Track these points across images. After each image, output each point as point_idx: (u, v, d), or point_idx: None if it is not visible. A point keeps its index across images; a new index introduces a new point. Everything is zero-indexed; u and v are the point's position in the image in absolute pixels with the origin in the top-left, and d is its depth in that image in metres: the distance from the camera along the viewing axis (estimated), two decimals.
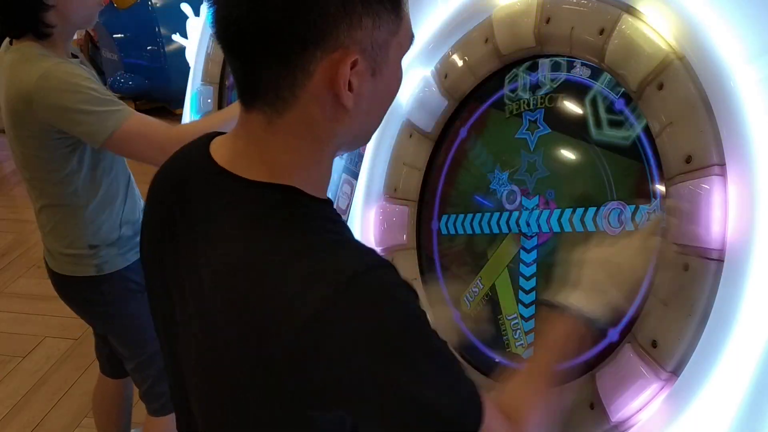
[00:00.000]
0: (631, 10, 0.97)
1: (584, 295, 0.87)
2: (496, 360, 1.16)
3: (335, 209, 0.79)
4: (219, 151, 0.77)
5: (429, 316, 0.71)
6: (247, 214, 0.72)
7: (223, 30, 0.69)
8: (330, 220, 0.75)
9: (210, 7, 0.71)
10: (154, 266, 0.85)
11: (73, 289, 1.66)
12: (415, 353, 0.66)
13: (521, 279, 1.13)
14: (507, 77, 1.19)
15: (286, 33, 0.66)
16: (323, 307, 0.64)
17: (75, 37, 1.60)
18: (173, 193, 0.80)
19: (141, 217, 1.64)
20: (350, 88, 0.69)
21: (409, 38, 0.75)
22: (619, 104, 1.00)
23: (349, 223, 1.45)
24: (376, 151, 1.42)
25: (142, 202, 1.68)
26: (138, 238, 1.64)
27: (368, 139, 0.82)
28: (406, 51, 0.75)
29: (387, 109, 0.79)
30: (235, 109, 1.42)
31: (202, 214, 0.76)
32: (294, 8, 0.65)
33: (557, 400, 0.87)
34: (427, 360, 0.67)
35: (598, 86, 1.03)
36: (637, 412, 0.90)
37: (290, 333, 0.64)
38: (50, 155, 1.49)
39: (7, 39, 1.50)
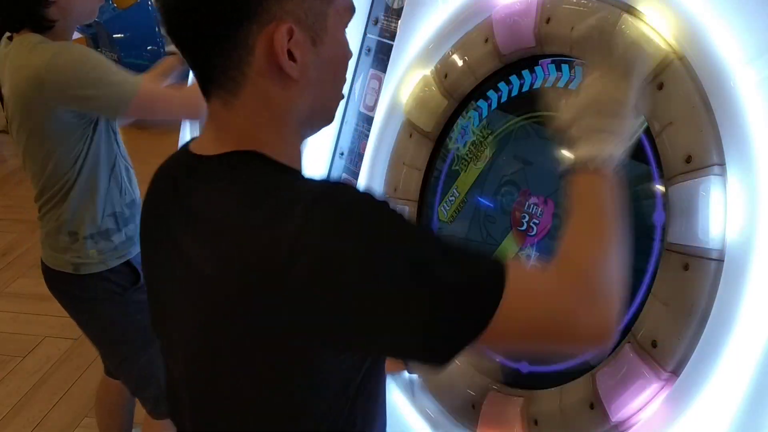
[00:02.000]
0: (631, 10, 0.97)
1: (587, 143, 0.79)
2: (497, 360, 1.16)
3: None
4: (193, 145, 0.81)
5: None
6: (219, 180, 0.74)
7: (169, 22, 0.73)
8: (297, 175, 0.76)
9: (156, 3, 0.75)
10: (152, 268, 0.86)
11: (56, 281, 1.68)
12: (400, 242, 0.67)
13: None
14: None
15: (220, 11, 0.69)
16: (295, 235, 0.64)
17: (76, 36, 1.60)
18: (165, 195, 0.83)
19: (127, 214, 1.65)
20: (293, 59, 0.72)
21: (348, 9, 0.77)
22: None
23: None
24: (376, 151, 1.42)
25: (131, 196, 1.68)
26: (123, 241, 1.66)
27: (330, 115, 0.83)
28: (348, 20, 0.78)
29: (340, 82, 0.81)
30: None
31: (187, 204, 0.78)
32: None
33: (623, 240, 0.75)
34: (416, 244, 0.67)
35: None
36: (637, 412, 0.90)
37: (275, 275, 0.65)
38: (57, 142, 1.49)
39: (6, 36, 1.50)
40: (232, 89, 0.73)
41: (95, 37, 5.19)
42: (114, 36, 5.02)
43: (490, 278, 0.67)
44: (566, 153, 0.82)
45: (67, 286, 1.67)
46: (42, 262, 1.69)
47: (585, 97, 0.83)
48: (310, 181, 0.73)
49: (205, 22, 0.71)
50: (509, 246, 1.15)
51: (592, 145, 0.79)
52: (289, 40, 0.71)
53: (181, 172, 0.81)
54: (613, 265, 0.72)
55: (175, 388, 0.85)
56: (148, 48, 5.05)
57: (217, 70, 0.73)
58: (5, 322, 2.95)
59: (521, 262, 0.68)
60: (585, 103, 0.82)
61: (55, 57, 1.40)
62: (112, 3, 5.17)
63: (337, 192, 0.69)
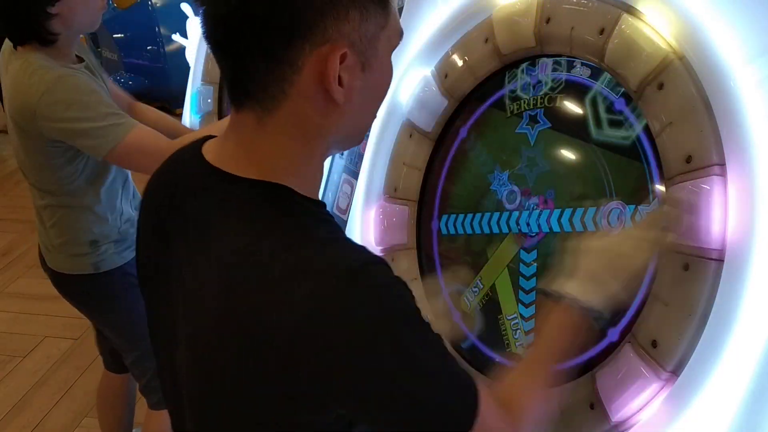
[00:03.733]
0: (631, 10, 0.97)
1: (581, 283, 0.85)
2: (496, 360, 1.16)
3: (329, 211, 0.78)
4: (210, 153, 0.77)
5: (427, 315, 0.71)
6: (238, 210, 0.72)
7: (211, 28, 0.69)
8: (323, 220, 0.74)
9: (199, 6, 0.71)
10: (149, 270, 0.85)
11: (72, 285, 1.67)
12: (411, 349, 0.66)
13: (521, 279, 1.13)
14: (507, 76, 1.19)
15: (272, 27, 0.65)
16: (316, 304, 0.63)
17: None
18: (166, 197, 0.81)
19: (136, 215, 1.65)
20: (340, 83, 0.68)
21: (398, 33, 0.74)
22: (619, 104, 1.00)
23: (349, 223, 1.45)
24: (376, 151, 1.42)
25: (138, 197, 1.69)
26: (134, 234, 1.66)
27: (361, 138, 0.81)
28: (396, 46, 0.75)
29: (379, 106, 0.78)
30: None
31: (194, 215, 0.76)
32: (280, 1, 0.65)
33: (555, 392, 0.86)
34: (422, 355, 0.67)
35: (598, 86, 1.03)
36: (637, 412, 0.90)
37: (283, 332, 0.64)
38: (54, 162, 1.50)
39: (11, 45, 1.50)
40: (269, 106, 0.70)
41: (95, 37, 5.19)
42: (114, 36, 5.02)
43: (468, 408, 0.70)
44: (560, 277, 0.88)
45: (87, 288, 1.66)
46: (52, 271, 1.66)
47: (607, 245, 0.89)
48: (343, 245, 0.71)
49: (253, 37, 0.66)
50: (508, 247, 1.15)
51: (585, 288, 0.85)
52: (340, 64, 0.67)
53: (190, 179, 0.78)
54: (545, 410, 0.84)
55: (174, 400, 0.84)
56: (148, 48, 5.05)
57: (256, 85, 0.69)
58: (5, 322, 2.95)
59: (489, 396, 0.73)
60: (602, 249, 0.88)
61: (48, 93, 1.39)
62: (112, 3, 5.17)
63: (367, 272, 0.66)
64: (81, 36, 1.62)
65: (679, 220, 0.87)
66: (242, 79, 0.70)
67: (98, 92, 1.45)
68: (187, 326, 0.75)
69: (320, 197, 0.79)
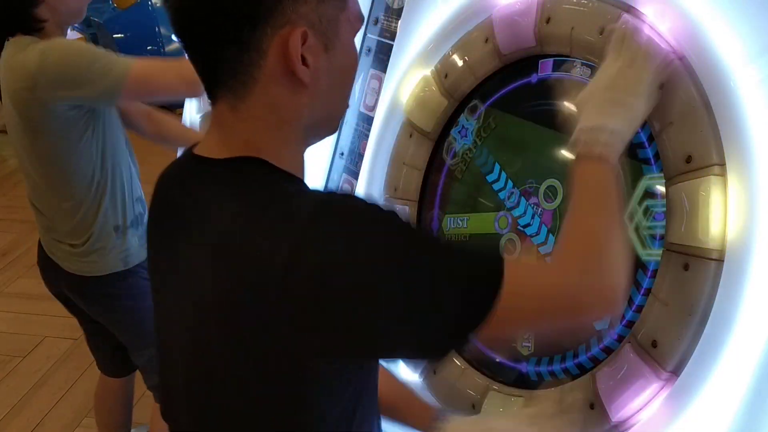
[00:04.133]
0: (631, 10, 0.97)
1: (599, 112, 0.81)
2: (497, 360, 1.16)
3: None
4: (199, 146, 0.80)
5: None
6: (217, 186, 0.74)
7: (178, 22, 0.72)
8: (298, 182, 0.76)
9: (164, 3, 0.74)
10: (152, 264, 0.87)
11: (96, 286, 1.66)
12: (397, 247, 0.67)
13: None
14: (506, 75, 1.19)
15: (235, 13, 0.68)
16: (295, 245, 0.65)
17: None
18: (163, 194, 0.83)
19: (143, 197, 1.66)
20: (305, 63, 0.71)
21: (358, 17, 0.77)
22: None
23: None
24: (376, 151, 1.42)
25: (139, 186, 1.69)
26: None
27: (335, 126, 0.84)
28: (357, 29, 0.78)
29: (348, 91, 0.81)
30: None
31: (181, 203, 0.78)
32: None
33: (619, 218, 0.78)
34: (416, 246, 0.68)
35: None
36: (637, 412, 0.90)
37: (275, 281, 0.65)
38: (61, 146, 1.49)
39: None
40: (240, 93, 0.72)
41: (95, 38, 5.19)
42: (114, 36, 5.02)
43: (488, 268, 0.68)
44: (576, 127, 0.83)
45: (114, 288, 1.65)
46: (75, 277, 1.64)
47: (602, 77, 0.86)
48: (311, 192, 0.73)
49: (217, 24, 0.69)
50: (509, 247, 1.15)
51: (603, 115, 0.81)
52: (302, 45, 0.70)
53: (186, 175, 0.81)
54: (614, 238, 0.75)
55: (171, 390, 0.84)
56: (148, 48, 5.05)
57: (225, 73, 0.72)
58: (5, 322, 2.95)
59: (521, 253, 0.70)
60: (602, 82, 0.85)
61: (44, 55, 1.41)
62: (112, 3, 5.17)
63: (335, 202, 0.69)
64: (81, 36, 1.63)
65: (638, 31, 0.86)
66: (213, 70, 0.73)
67: (89, 46, 1.47)
68: (185, 303, 0.76)
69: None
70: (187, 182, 0.79)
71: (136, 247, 1.63)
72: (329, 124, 0.83)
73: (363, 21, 0.78)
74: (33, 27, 1.46)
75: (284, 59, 0.70)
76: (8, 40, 1.49)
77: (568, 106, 0.87)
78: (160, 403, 0.90)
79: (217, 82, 0.74)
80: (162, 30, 5.02)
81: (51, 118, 1.46)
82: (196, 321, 0.74)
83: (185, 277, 0.76)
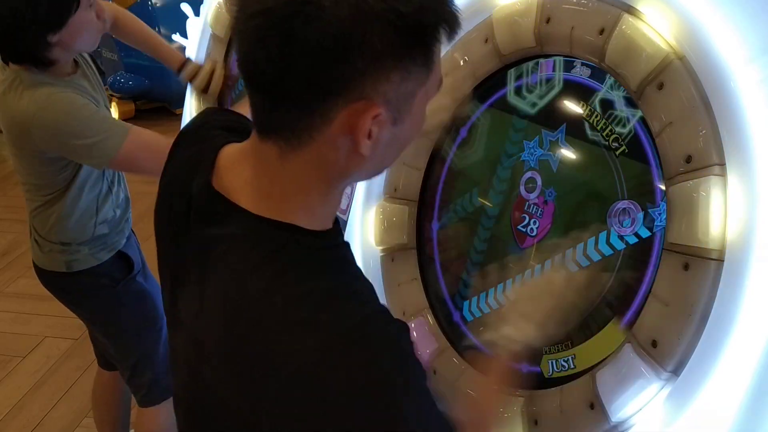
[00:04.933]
0: (631, 10, 0.97)
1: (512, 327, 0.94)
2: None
3: (340, 232, 0.77)
4: (227, 172, 0.76)
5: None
6: (250, 251, 0.70)
7: (245, 65, 0.67)
8: (332, 260, 0.74)
9: (235, 41, 0.68)
10: (164, 254, 0.85)
11: (50, 282, 1.69)
12: (404, 408, 0.66)
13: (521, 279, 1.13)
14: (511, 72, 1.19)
15: (310, 83, 0.64)
16: (314, 359, 0.63)
17: None
18: (181, 211, 0.79)
19: (118, 215, 1.65)
20: (369, 135, 0.66)
21: (438, 85, 0.72)
22: (619, 104, 1.00)
23: (349, 223, 1.45)
24: None
25: (124, 193, 1.69)
26: (113, 237, 1.67)
27: (381, 173, 0.80)
28: (433, 96, 0.72)
29: (401, 152, 0.76)
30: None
31: (202, 242, 0.75)
32: (321, 61, 0.62)
33: None
34: (415, 408, 0.67)
35: (598, 86, 1.03)
36: (637, 412, 0.90)
37: (281, 383, 0.64)
38: (46, 169, 1.51)
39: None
40: (294, 145, 0.68)
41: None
42: (114, 36, 5.02)
43: None
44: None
45: (62, 285, 1.68)
46: (34, 263, 1.69)
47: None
48: (349, 297, 0.70)
49: (293, 84, 0.64)
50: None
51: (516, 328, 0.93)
52: (372, 120, 0.65)
53: (204, 190, 0.76)
54: None
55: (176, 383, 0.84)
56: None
57: (285, 126, 0.68)
58: (5, 322, 2.95)
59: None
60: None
61: (42, 111, 1.38)
62: (113, 3, 5.17)
63: (367, 329, 0.66)
64: None
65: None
66: (271, 118, 0.69)
67: (89, 105, 1.44)
68: (188, 343, 0.76)
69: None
70: (214, 220, 0.75)
71: (83, 255, 1.63)
72: (374, 176, 0.79)
73: (441, 85, 0.73)
74: (44, 64, 1.43)
75: (349, 130, 0.66)
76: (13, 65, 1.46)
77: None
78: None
79: (272, 129, 0.69)
80: (162, 30, 5.02)
81: (41, 152, 1.48)
82: (197, 367, 0.75)
83: (195, 315, 0.75)
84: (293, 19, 0.61)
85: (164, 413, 1.77)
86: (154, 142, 1.44)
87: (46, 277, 1.68)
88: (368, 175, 0.77)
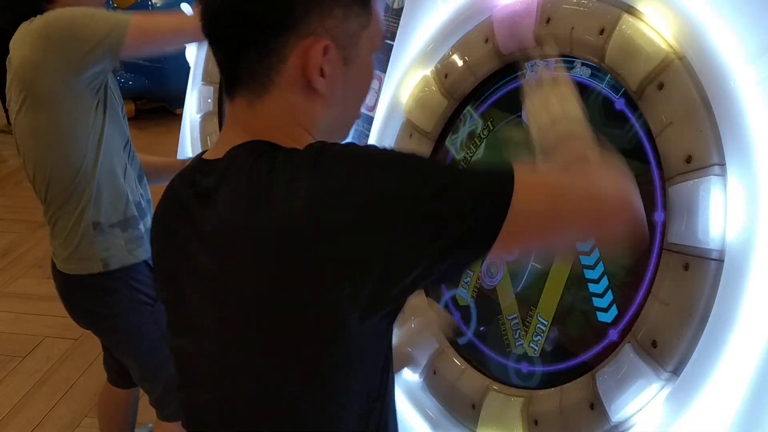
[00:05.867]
0: (631, 10, 0.97)
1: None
2: (495, 359, 1.16)
3: None
4: (213, 146, 0.81)
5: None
6: (234, 167, 0.75)
7: (209, 21, 0.75)
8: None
9: (200, 5, 0.77)
10: (164, 260, 0.86)
11: (79, 297, 1.64)
12: (404, 164, 0.69)
13: (522, 279, 1.13)
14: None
15: (264, 19, 0.72)
16: (306, 197, 0.67)
17: None
18: (181, 195, 0.82)
19: (144, 205, 1.64)
20: (323, 74, 0.74)
21: (380, 35, 0.81)
22: (619, 104, 1.00)
23: None
24: None
25: (140, 189, 1.68)
26: (143, 229, 1.64)
27: (346, 132, 0.87)
28: (377, 48, 0.80)
29: (360, 103, 0.84)
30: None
31: (195, 198, 0.78)
32: None
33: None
34: (421, 164, 0.71)
35: (599, 86, 1.03)
36: (637, 412, 0.90)
37: (294, 220, 0.67)
38: (62, 117, 1.48)
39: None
40: (259, 92, 0.75)
41: None
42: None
43: (500, 170, 0.69)
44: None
45: (96, 304, 1.62)
46: (63, 278, 1.62)
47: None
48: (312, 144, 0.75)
49: (245, 27, 0.73)
50: None
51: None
52: (323, 56, 0.73)
53: (193, 175, 0.81)
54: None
55: (193, 384, 0.83)
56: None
57: (246, 73, 0.75)
58: (5, 322, 2.95)
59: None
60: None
61: (50, 14, 1.43)
62: (112, 3, 5.17)
63: (332, 145, 0.72)
64: None
65: None
66: (235, 69, 0.76)
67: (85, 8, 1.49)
68: (208, 282, 0.76)
69: None
70: (202, 179, 0.79)
71: (120, 249, 1.60)
72: (340, 131, 0.85)
73: (383, 41, 0.82)
74: None
75: (303, 67, 0.73)
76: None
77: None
78: (184, 415, 0.88)
79: (237, 81, 0.77)
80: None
81: (59, 91, 1.46)
82: (223, 284, 0.74)
83: (206, 253, 0.76)
84: None
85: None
86: (159, 16, 1.53)
87: (80, 291, 1.61)
88: (333, 127, 0.81)
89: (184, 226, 0.79)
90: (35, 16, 1.46)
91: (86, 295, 1.62)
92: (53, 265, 1.66)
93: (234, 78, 0.77)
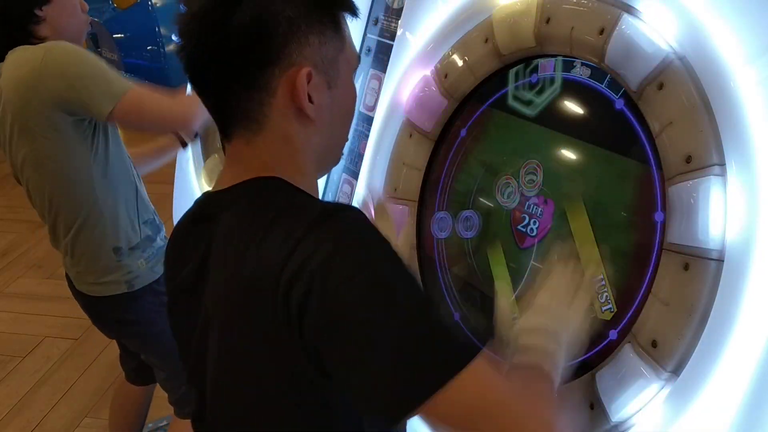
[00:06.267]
0: (631, 10, 0.97)
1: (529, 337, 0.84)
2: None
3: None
4: (214, 187, 0.85)
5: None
6: (236, 203, 0.79)
7: (193, 68, 0.79)
8: (309, 196, 0.81)
9: (179, 53, 0.79)
10: (178, 311, 0.92)
11: (105, 310, 1.65)
12: (392, 283, 0.68)
13: (522, 280, 1.13)
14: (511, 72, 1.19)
15: (246, 58, 0.76)
16: (295, 244, 0.68)
17: None
18: (186, 233, 0.88)
19: (153, 219, 1.64)
20: (311, 101, 0.78)
21: (355, 57, 0.86)
22: (619, 104, 1.00)
23: None
24: (376, 151, 1.42)
25: (151, 208, 1.68)
26: (159, 243, 1.66)
27: (338, 155, 0.91)
28: (355, 68, 0.86)
29: (349, 124, 0.89)
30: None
31: (207, 234, 0.82)
32: (249, 35, 0.75)
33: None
34: (404, 292, 0.69)
35: (598, 86, 1.03)
36: (637, 412, 0.90)
37: (274, 279, 0.68)
38: (64, 144, 1.48)
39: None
40: (254, 128, 0.79)
41: (95, 37, 5.20)
42: (114, 36, 5.02)
43: (463, 348, 0.67)
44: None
45: (121, 312, 1.64)
46: (82, 294, 1.63)
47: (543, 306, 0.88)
48: (321, 202, 0.79)
49: (231, 69, 0.76)
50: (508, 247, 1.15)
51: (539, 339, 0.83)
52: (308, 84, 0.77)
53: (203, 210, 0.86)
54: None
55: (203, 413, 0.87)
56: (148, 48, 5.05)
57: (239, 113, 0.78)
58: (5, 322, 2.95)
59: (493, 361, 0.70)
60: (543, 308, 0.88)
61: (50, 50, 1.42)
62: (112, 3, 5.17)
63: (344, 213, 0.73)
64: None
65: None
66: (227, 112, 0.80)
67: (96, 57, 1.48)
68: (210, 322, 0.80)
69: (320, 198, 0.85)
70: (204, 220, 0.83)
71: (143, 270, 1.61)
72: (333, 155, 0.90)
73: (359, 61, 0.87)
74: (32, 43, 1.46)
75: (292, 97, 0.77)
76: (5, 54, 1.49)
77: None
78: (192, 413, 0.92)
79: (231, 121, 0.80)
80: (162, 30, 5.02)
81: (50, 128, 1.45)
82: (221, 328, 0.78)
83: (211, 292, 0.80)
84: (215, 13, 0.75)
85: None
86: (159, 96, 1.48)
87: (104, 305, 1.63)
88: (328, 149, 0.86)
89: (200, 268, 0.83)
90: (24, 36, 1.45)
91: (111, 308, 1.64)
92: (70, 283, 1.66)
93: (227, 119, 0.80)
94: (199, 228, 0.84)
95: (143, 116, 1.49)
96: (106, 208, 1.54)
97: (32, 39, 1.46)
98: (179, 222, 0.90)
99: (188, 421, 1.79)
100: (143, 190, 1.67)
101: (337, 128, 0.86)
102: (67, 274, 1.68)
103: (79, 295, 1.66)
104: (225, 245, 0.78)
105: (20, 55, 1.45)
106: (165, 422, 2.17)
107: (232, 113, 0.79)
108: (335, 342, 0.67)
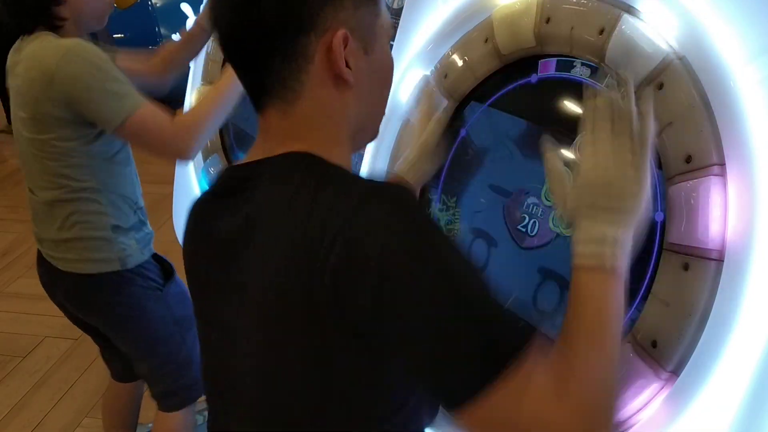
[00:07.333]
0: (631, 10, 0.97)
1: (592, 221, 0.77)
2: None
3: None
4: (241, 161, 0.83)
5: None
6: (272, 179, 0.77)
7: (228, 41, 0.78)
8: (346, 171, 0.78)
9: (214, 29, 0.78)
10: (199, 280, 0.88)
11: (94, 291, 1.65)
12: (448, 260, 0.68)
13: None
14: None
15: (280, 25, 0.74)
16: (346, 218, 0.67)
17: None
18: (212, 207, 0.86)
19: (143, 206, 1.66)
20: (349, 66, 0.76)
21: (390, 25, 0.84)
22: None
23: None
24: (376, 151, 1.42)
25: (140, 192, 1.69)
26: (149, 229, 1.68)
27: (376, 128, 0.90)
28: (390, 37, 0.85)
29: (387, 90, 0.87)
30: (228, 77, 1.45)
31: (239, 210, 0.80)
32: (283, 2, 0.73)
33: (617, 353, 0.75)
34: (460, 266, 0.68)
35: (598, 86, 1.03)
36: (637, 412, 0.90)
37: (323, 254, 0.66)
38: (69, 143, 1.48)
39: (19, 40, 1.51)
40: (290, 98, 0.77)
41: (95, 37, 5.20)
42: (114, 36, 5.02)
43: (521, 330, 0.67)
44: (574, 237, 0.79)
45: (111, 294, 1.64)
46: (72, 276, 1.62)
47: (588, 169, 0.81)
48: (364, 178, 0.75)
49: (266, 36, 0.75)
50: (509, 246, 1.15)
51: (597, 225, 0.77)
52: (344, 48, 0.75)
53: (229, 184, 0.83)
54: (613, 386, 0.73)
55: (224, 393, 0.85)
56: (148, 48, 5.05)
57: (275, 81, 0.77)
58: (5, 322, 2.95)
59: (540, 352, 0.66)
60: (590, 179, 0.80)
61: (68, 54, 1.41)
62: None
63: (394, 189, 0.71)
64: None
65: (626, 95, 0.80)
66: (262, 81, 0.78)
67: (115, 66, 1.47)
68: (248, 298, 0.77)
69: None
70: (232, 194, 0.81)
71: (134, 249, 1.62)
72: (372, 126, 0.89)
73: (393, 30, 0.84)
74: (52, 24, 1.46)
75: (329, 62, 0.76)
76: (26, 36, 1.48)
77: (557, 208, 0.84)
78: (209, 417, 0.89)
79: (265, 92, 0.78)
80: (162, 30, 5.02)
81: (56, 117, 1.45)
82: (261, 300, 0.75)
83: (248, 267, 0.77)
84: None
85: (186, 418, 1.78)
86: (166, 121, 1.46)
87: (95, 286, 1.62)
88: (365, 120, 0.85)
89: (231, 246, 0.80)
90: (46, 18, 1.45)
91: (101, 288, 1.64)
92: (50, 267, 1.65)
93: (262, 90, 0.79)
94: (226, 202, 0.81)
95: (143, 139, 1.48)
96: (115, 185, 1.57)
97: (54, 20, 1.46)
98: (200, 198, 0.87)
99: (173, 415, 1.81)
100: (137, 179, 1.68)
101: (375, 96, 0.85)
102: (43, 263, 1.66)
103: (61, 282, 1.64)
104: (265, 222, 0.75)
105: (40, 47, 1.44)
106: (150, 425, 2.17)
107: (268, 83, 0.77)
108: (399, 327, 0.66)
